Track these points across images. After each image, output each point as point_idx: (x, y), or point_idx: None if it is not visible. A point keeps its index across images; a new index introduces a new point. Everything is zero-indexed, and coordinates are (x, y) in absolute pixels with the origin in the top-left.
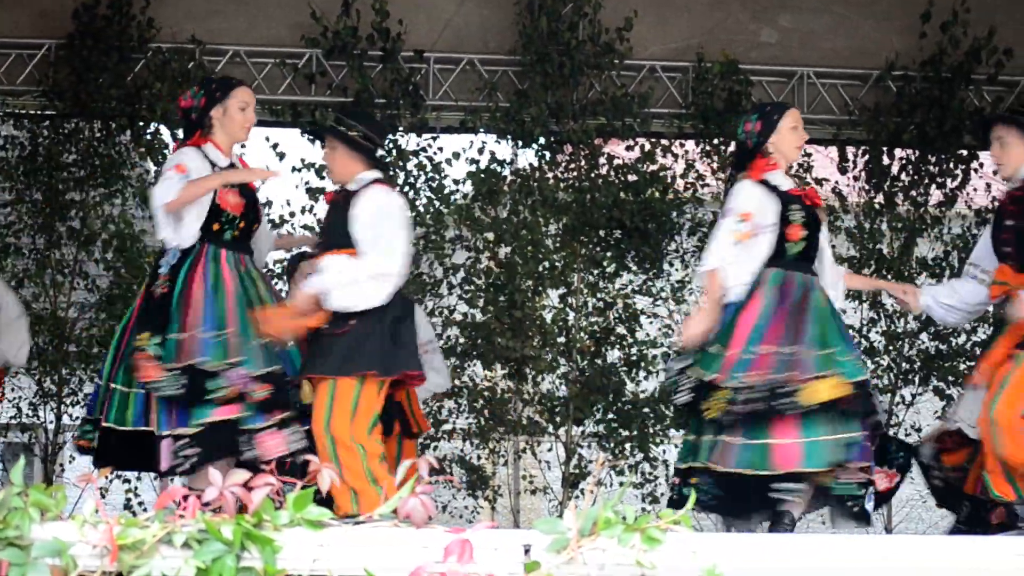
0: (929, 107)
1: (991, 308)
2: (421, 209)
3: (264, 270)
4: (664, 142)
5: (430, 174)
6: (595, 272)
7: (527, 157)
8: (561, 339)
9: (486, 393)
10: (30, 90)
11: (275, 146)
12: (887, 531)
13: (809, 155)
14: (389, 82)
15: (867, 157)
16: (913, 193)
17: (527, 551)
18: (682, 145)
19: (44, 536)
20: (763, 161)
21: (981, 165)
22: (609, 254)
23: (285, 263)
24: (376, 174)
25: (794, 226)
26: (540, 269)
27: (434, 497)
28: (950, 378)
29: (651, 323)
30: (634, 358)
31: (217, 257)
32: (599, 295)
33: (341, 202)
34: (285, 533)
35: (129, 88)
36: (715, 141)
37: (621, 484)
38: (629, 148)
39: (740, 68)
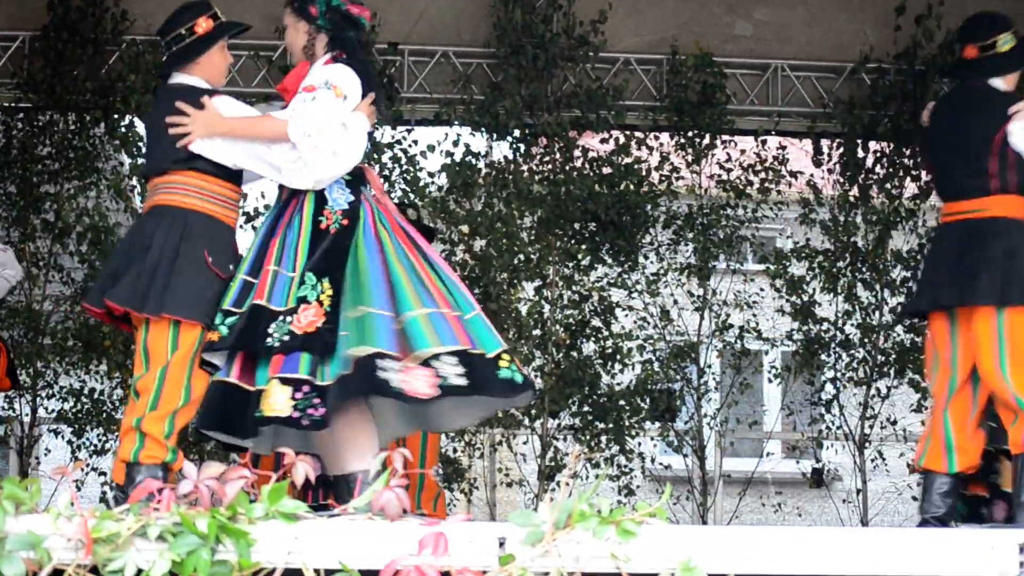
0: (903, 100)
1: None
2: (396, 202)
3: None
4: (639, 135)
5: (404, 167)
6: (570, 265)
7: (502, 150)
8: (536, 331)
9: None
10: (4, 82)
11: None
12: (863, 524)
13: (784, 148)
14: None
15: (842, 150)
16: (888, 186)
17: (502, 544)
18: (656, 138)
19: (18, 529)
20: None
21: None
22: (584, 247)
23: None
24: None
25: None
26: (515, 262)
27: (407, 489)
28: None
29: (626, 316)
30: (609, 351)
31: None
32: (574, 288)
33: None
34: (260, 526)
35: (103, 80)
36: (690, 134)
37: (596, 477)
38: (604, 141)
39: (715, 61)
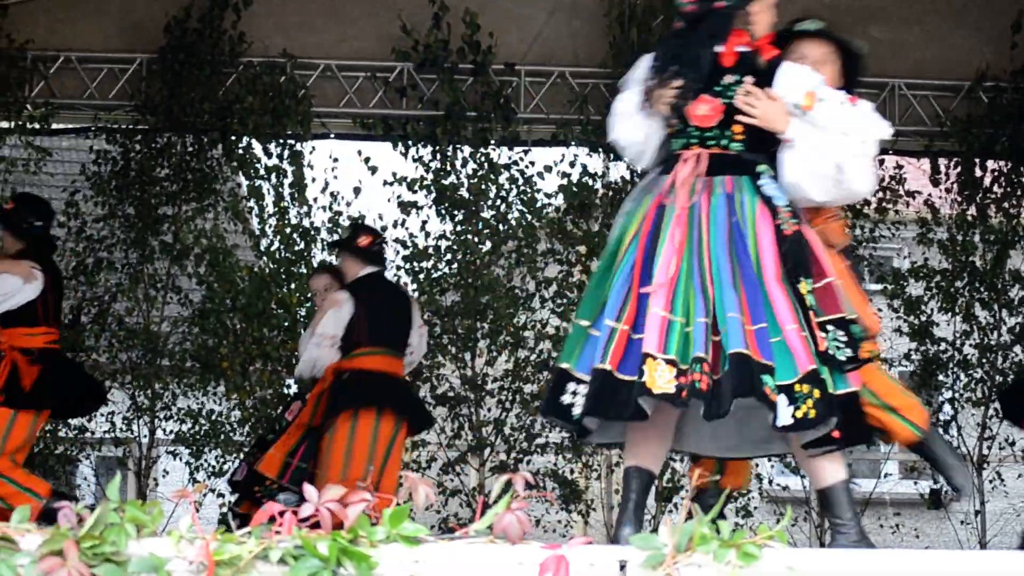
0: (1020, 118)
1: None
2: (513, 223)
3: None
4: None
5: (522, 187)
6: None
7: (619, 170)
8: None
9: None
10: (122, 104)
11: (367, 160)
12: (982, 546)
13: (901, 167)
14: (480, 95)
15: (959, 169)
16: (1006, 205)
17: (623, 567)
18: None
19: (140, 552)
20: None
21: None
22: None
23: None
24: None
25: None
26: None
27: (528, 512)
28: None
29: None
30: None
31: None
32: None
33: None
34: (381, 549)
35: (221, 102)
36: None
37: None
38: None
39: None
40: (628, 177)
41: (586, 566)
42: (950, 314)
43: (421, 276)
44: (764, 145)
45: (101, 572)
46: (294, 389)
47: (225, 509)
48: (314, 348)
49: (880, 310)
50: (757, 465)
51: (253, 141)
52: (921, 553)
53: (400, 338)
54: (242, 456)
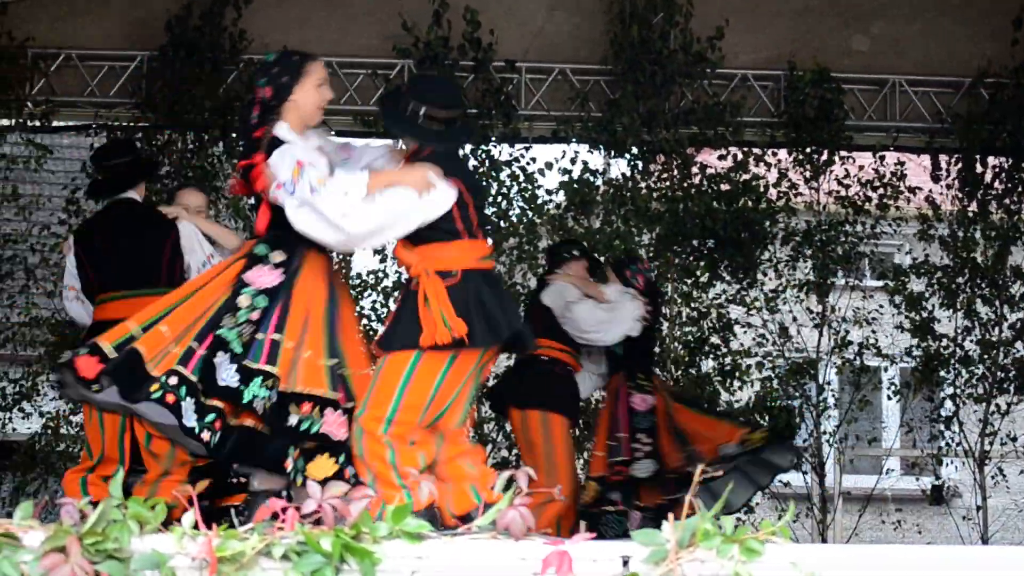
0: (1021, 114)
1: None
2: (514, 219)
3: None
4: (757, 151)
5: (523, 184)
6: (688, 282)
7: (620, 167)
8: (655, 349)
9: (580, 403)
10: (123, 102)
11: None
12: (983, 541)
13: (902, 163)
14: (481, 92)
15: (960, 165)
16: (1007, 201)
17: (626, 563)
18: (774, 154)
19: (143, 548)
20: None
21: None
22: (702, 264)
23: None
24: None
25: None
26: None
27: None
28: None
29: (745, 332)
30: (728, 368)
31: None
32: (693, 305)
33: None
34: (384, 545)
35: (222, 99)
36: (807, 150)
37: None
38: (721, 157)
39: (832, 76)
40: (629, 174)
41: (589, 562)
42: (951, 310)
43: None
44: None
45: (104, 569)
46: None
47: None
48: None
49: (881, 306)
50: None
51: None
52: (923, 549)
53: None
54: None
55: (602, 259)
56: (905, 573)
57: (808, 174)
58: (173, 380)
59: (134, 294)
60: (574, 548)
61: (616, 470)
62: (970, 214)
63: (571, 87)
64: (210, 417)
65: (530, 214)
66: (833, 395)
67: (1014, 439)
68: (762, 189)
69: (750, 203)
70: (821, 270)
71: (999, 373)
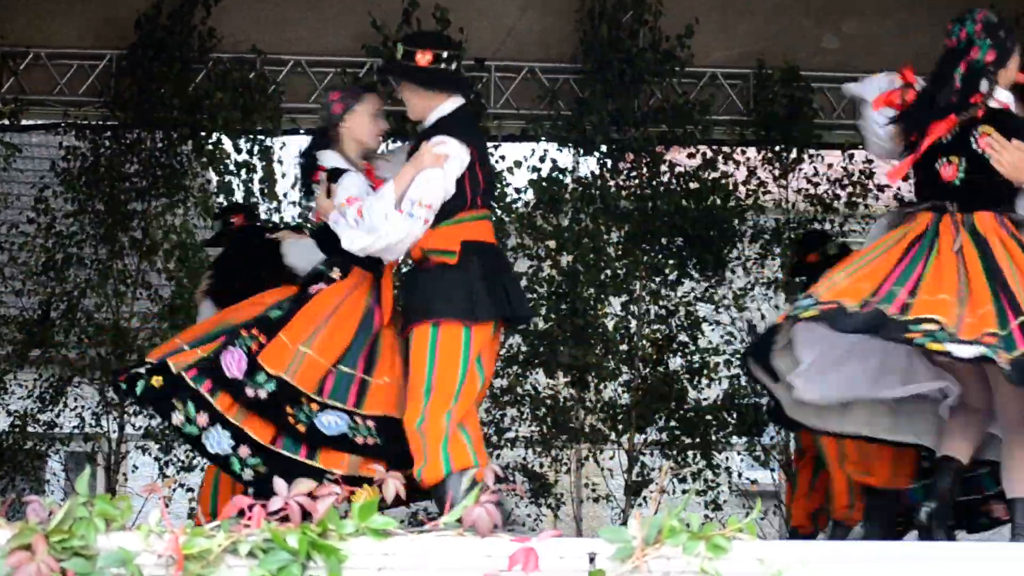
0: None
1: None
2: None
3: None
4: (725, 149)
5: None
6: (657, 280)
7: (589, 165)
8: (623, 347)
9: (548, 401)
10: (92, 100)
11: None
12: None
13: (871, 162)
14: None
15: None
16: None
17: (592, 559)
18: (743, 152)
19: (110, 546)
20: None
21: None
22: (671, 262)
23: None
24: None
25: None
26: (602, 277)
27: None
28: None
29: (713, 330)
30: (696, 365)
31: None
32: (661, 303)
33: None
34: (350, 542)
35: (191, 98)
36: (777, 148)
37: (684, 492)
38: (691, 156)
39: (801, 75)
40: (598, 172)
41: (555, 559)
42: None
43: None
44: None
45: (70, 566)
46: None
47: (194, 504)
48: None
49: None
50: (727, 459)
51: (223, 137)
52: (888, 544)
53: None
54: None
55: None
56: (871, 568)
57: (777, 172)
58: None
59: None
60: (540, 545)
61: None
62: None
63: (540, 86)
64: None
65: (499, 212)
66: None
67: None
68: (731, 187)
69: (719, 201)
70: (790, 268)
71: None
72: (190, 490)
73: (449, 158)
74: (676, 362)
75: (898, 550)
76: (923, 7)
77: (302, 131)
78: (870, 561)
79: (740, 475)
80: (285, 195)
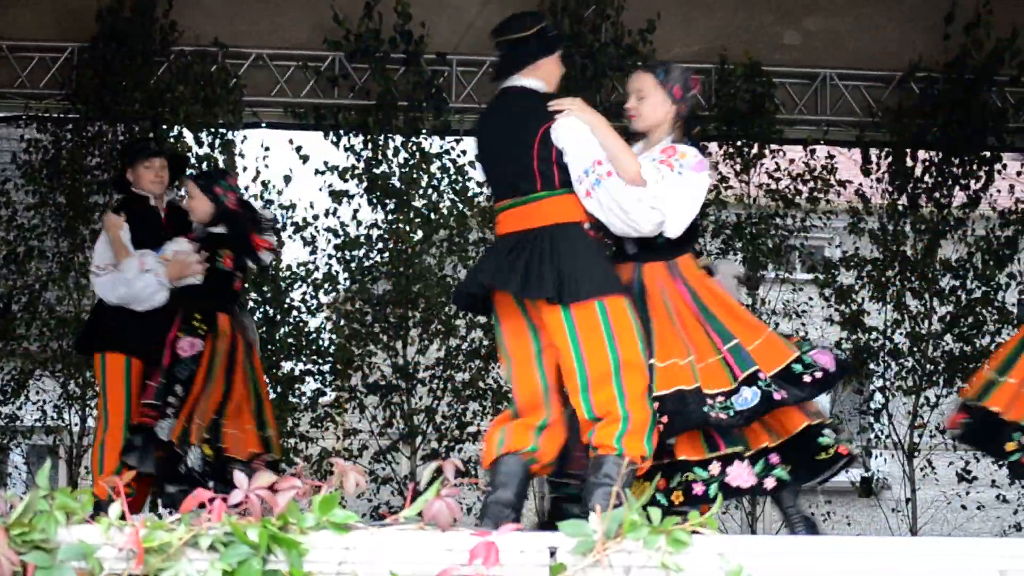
0: (952, 109)
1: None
2: (444, 212)
3: None
4: None
5: (453, 176)
6: None
7: None
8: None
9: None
10: (53, 93)
11: (299, 149)
12: (912, 533)
13: (832, 157)
14: (412, 84)
15: (890, 159)
16: (936, 195)
17: (553, 554)
18: (705, 147)
19: (70, 539)
20: None
21: (1004, 167)
22: None
23: None
24: None
25: None
26: None
27: (459, 499)
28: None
29: None
30: None
31: None
32: None
33: None
34: (311, 536)
35: (152, 91)
36: (738, 143)
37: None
38: None
39: (763, 70)
40: None
41: (516, 553)
42: (881, 303)
43: (353, 265)
44: None
45: (30, 559)
46: None
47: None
48: None
49: (811, 299)
50: None
51: (184, 130)
52: (850, 539)
53: None
54: None
55: None
56: (833, 563)
57: (739, 167)
58: None
59: None
60: (501, 539)
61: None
62: (900, 207)
63: None
64: None
65: (460, 206)
66: None
67: (943, 431)
68: None
69: None
70: (751, 263)
71: (928, 366)
72: None
73: None
74: None
75: (856, 545)
76: (883, 4)
77: (263, 124)
78: (831, 555)
79: None
80: (247, 188)
